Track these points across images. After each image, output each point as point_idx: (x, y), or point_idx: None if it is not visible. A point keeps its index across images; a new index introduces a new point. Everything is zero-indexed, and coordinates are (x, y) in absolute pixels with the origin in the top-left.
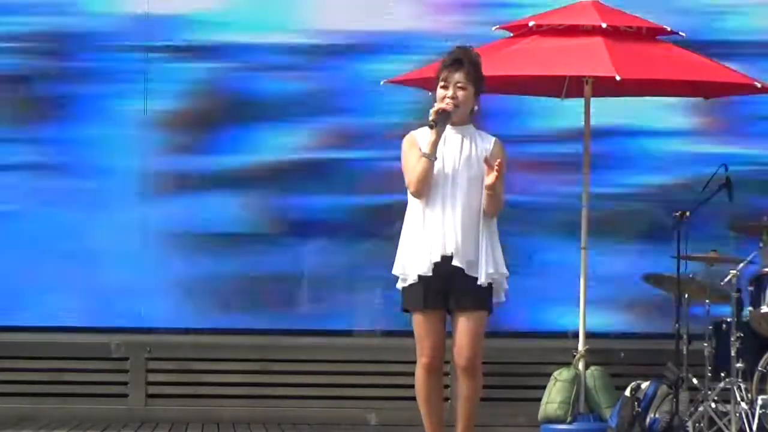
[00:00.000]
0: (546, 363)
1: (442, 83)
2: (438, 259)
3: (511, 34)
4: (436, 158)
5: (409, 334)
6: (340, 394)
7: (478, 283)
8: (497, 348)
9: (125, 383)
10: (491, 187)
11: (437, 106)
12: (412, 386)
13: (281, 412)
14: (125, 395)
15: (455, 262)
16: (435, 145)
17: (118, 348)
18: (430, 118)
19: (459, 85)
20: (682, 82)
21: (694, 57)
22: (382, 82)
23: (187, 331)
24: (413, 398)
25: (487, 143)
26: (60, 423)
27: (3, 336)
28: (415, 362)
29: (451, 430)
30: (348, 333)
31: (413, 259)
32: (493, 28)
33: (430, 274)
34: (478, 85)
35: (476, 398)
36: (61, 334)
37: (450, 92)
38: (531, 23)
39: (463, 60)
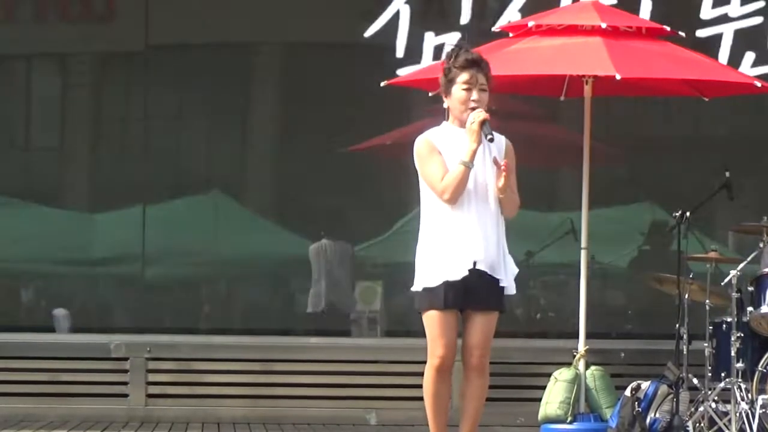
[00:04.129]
0: (546, 363)
1: (465, 86)
2: (471, 266)
3: (511, 35)
4: (473, 166)
5: (409, 334)
6: (340, 394)
7: (502, 285)
8: (497, 348)
9: (125, 383)
10: (503, 190)
11: (481, 116)
12: (412, 386)
13: (281, 412)
14: (125, 395)
15: (481, 267)
16: (475, 153)
17: (118, 348)
18: (474, 127)
19: (482, 87)
20: (681, 81)
21: (693, 56)
22: (382, 84)
23: (187, 331)
24: (413, 398)
25: (499, 144)
26: (60, 423)
27: (3, 336)
28: (416, 362)
29: (453, 430)
30: (348, 333)
31: (441, 267)
32: (493, 29)
33: (458, 279)
34: (491, 86)
35: (483, 397)
36: (60, 334)
37: (475, 96)
38: (530, 23)
39: (481, 61)
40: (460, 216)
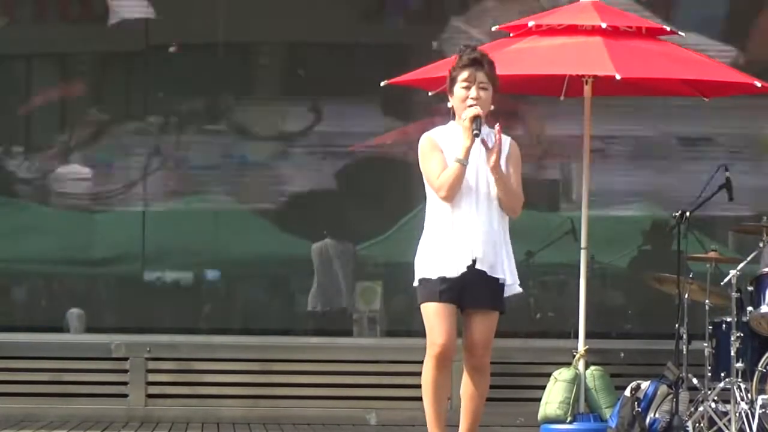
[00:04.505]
0: (546, 363)
1: (464, 84)
2: (469, 263)
3: (511, 35)
4: (468, 163)
5: (409, 334)
6: (340, 394)
7: (507, 283)
8: (497, 348)
9: (125, 383)
10: (495, 168)
11: (472, 112)
12: (413, 386)
13: (281, 412)
14: (125, 395)
15: (479, 266)
16: (469, 150)
17: (118, 348)
18: (467, 124)
19: (482, 85)
20: (681, 81)
21: (693, 56)
22: (382, 83)
23: (187, 331)
24: (413, 398)
25: (504, 144)
26: (60, 423)
27: (3, 336)
28: (416, 362)
29: (453, 430)
30: (348, 333)
31: (440, 263)
32: (493, 29)
33: (455, 276)
34: (495, 85)
35: (484, 397)
36: (61, 334)
37: (473, 93)
38: (530, 23)
39: (483, 60)
40: (459, 213)
